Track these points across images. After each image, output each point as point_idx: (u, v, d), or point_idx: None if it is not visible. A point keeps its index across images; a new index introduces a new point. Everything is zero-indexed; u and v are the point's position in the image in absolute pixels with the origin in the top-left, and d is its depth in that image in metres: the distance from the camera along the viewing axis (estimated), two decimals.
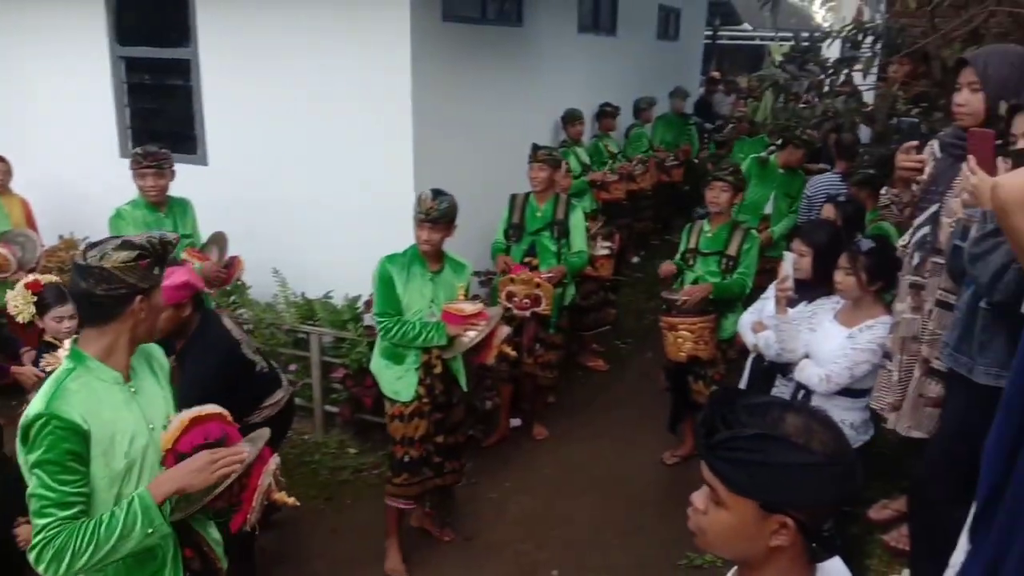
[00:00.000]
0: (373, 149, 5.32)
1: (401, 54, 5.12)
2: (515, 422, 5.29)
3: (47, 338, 3.63)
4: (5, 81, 6.44)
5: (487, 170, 6.10)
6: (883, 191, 3.19)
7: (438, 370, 3.73)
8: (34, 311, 3.63)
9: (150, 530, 2.02)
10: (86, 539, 1.95)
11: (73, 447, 1.96)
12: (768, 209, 6.23)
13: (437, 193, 3.61)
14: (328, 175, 5.48)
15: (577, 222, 5.01)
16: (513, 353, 4.08)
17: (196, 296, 3.35)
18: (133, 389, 2.17)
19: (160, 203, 4.45)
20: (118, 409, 2.09)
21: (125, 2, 5.93)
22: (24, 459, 1.99)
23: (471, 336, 3.62)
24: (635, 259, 8.48)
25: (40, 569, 1.96)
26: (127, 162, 5.98)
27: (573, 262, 4.96)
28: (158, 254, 2.12)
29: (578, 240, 5.00)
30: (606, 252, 5.73)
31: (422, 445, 3.79)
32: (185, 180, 4.75)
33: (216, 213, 5.79)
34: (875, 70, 5.62)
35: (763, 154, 6.44)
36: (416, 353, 3.72)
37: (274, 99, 5.55)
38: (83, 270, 2.03)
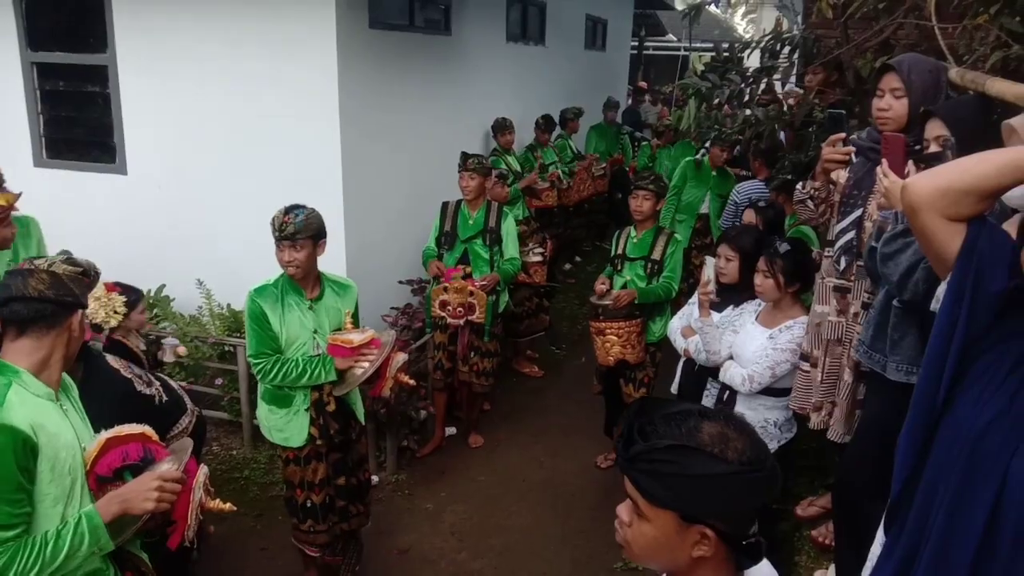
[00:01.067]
0: (300, 156, 5.24)
1: (327, 60, 5.07)
2: (450, 430, 5.28)
3: (119, 337, 3.49)
4: None
5: (417, 177, 6.08)
6: (799, 186, 3.26)
7: (331, 407, 3.40)
8: (125, 312, 3.47)
9: (96, 549, 1.99)
10: (32, 558, 1.89)
11: (24, 462, 1.90)
12: (704, 208, 6.57)
13: (291, 208, 3.25)
14: (253, 184, 5.37)
15: (509, 229, 5.02)
16: (412, 382, 3.66)
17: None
18: (64, 407, 2.09)
19: None
20: (58, 424, 2.02)
21: (37, 6, 5.71)
22: None
23: (364, 367, 3.28)
24: (568, 266, 8.55)
25: None
26: (41, 172, 5.81)
27: (506, 269, 4.97)
28: (92, 280, 2.16)
29: (511, 247, 5.02)
30: (539, 259, 5.77)
31: (322, 490, 3.50)
32: (103, 190, 4.59)
33: (136, 224, 5.64)
34: (793, 78, 5.81)
35: (697, 156, 6.69)
36: (304, 393, 3.37)
37: (196, 106, 5.41)
38: (33, 274, 2.00)
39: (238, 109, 5.32)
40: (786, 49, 5.22)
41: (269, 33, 5.14)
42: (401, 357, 3.51)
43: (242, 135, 5.35)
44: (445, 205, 5.09)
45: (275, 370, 3.28)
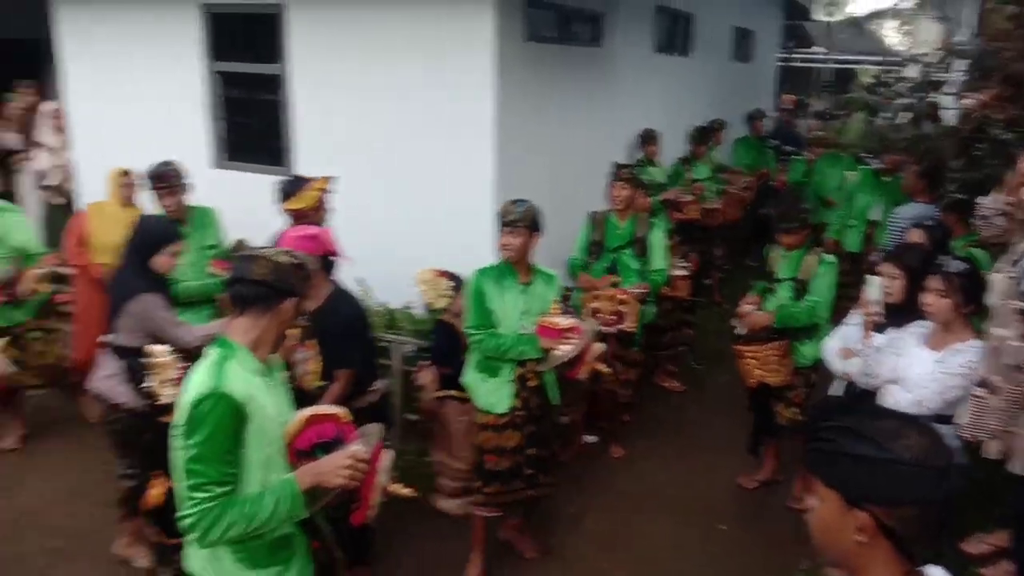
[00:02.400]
0: (456, 166, 5.44)
1: (485, 73, 5.24)
2: (589, 439, 5.30)
3: (448, 319, 4.11)
4: (105, 91, 6.76)
5: (564, 187, 6.16)
6: (985, 200, 3.10)
7: (533, 383, 3.75)
8: (451, 295, 4.04)
9: (294, 515, 2.18)
10: (241, 515, 2.10)
11: (236, 426, 2.11)
12: (875, 215, 6.76)
13: (516, 200, 3.67)
14: (411, 189, 5.61)
15: (658, 240, 5.01)
16: (607, 370, 4.04)
17: (325, 260, 3.45)
18: (270, 382, 2.28)
19: (181, 218, 4.51)
20: (265, 397, 2.21)
21: (220, 19, 6.19)
22: (183, 435, 2.09)
23: (565, 350, 3.60)
24: (707, 281, 8.40)
25: (191, 537, 2.11)
26: (218, 173, 6.28)
27: (654, 280, 4.96)
28: (307, 274, 2.33)
29: (658, 258, 5.00)
30: (683, 272, 5.72)
31: (512, 457, 3.79)
32: (270, 190, 4.92)
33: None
34: (963, 93, 5.53)
35: (874, 165, 7.10)
36: (511, 366, 3.72)
37: (359, 114, 5.72)
38: (257, 259, 2.21)
39: (395, 118, 5.59)
40: (957, 62, 4.98)
41: (428, 47, 5.37)
42: (600, 347, 3.85)
43: (400, 144, 5.61)
44: (593, 215, 5.12)
45: (489, 342, 3.66)
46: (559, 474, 4.89)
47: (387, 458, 2.43)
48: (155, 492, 3.20)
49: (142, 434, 3.41)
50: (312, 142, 5.96)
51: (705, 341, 6.86)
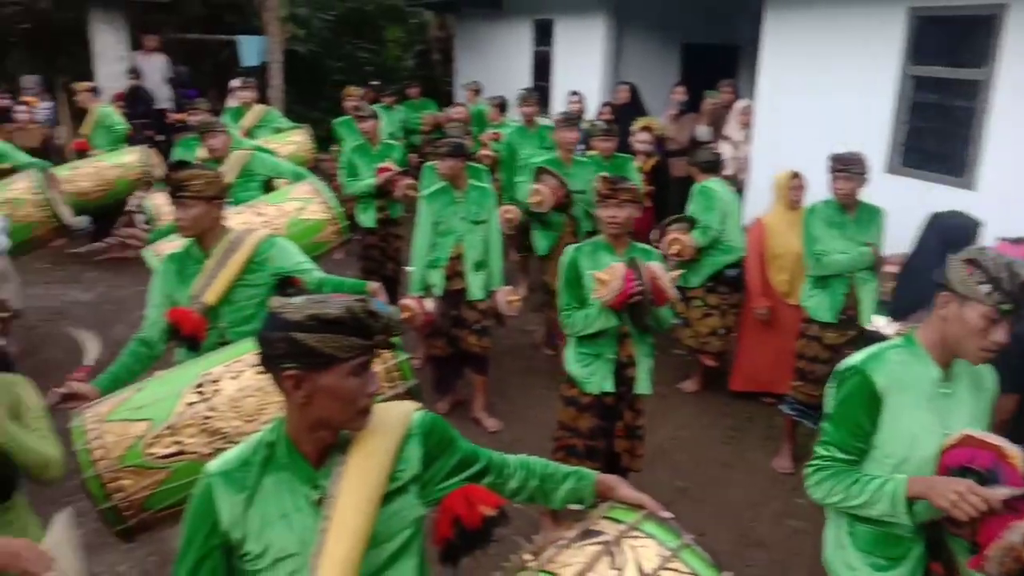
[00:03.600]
0: None
1: None
2: None
3: None
4: (793, 88, 7.15)
5: None
6: None
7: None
8: None
9: (890, 513, 2.16)
10: (842, 486, 2.22)
11: (863, 406, 2.21)
12: None
13: None
14: None
15: None
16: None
17: None
18: (945, 391, 2.21)
19: (850, 206, 4.59)
20: (920, 398, 2.19)
21: (926, 22, 5.95)
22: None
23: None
24: None
25: (806, 485, 2.34)
26: (891, 178, 6.11)
27: None
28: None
29: None
30: None
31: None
32: (943, 201, 4.60)
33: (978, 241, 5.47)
34: None
35: None
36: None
37: None
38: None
39: None
40: None
41: None
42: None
43: None
44: None
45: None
46: None
47: None
48: None
49: None
50: (1005, 154, 5.35)
51: None
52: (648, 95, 9.19)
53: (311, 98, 14.05)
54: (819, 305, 4.67)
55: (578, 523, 1.72)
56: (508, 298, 5.07)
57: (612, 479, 1.87)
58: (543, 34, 11.92)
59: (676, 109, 8.33)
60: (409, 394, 2.80)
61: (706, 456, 5.02)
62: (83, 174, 7.49)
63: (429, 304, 4.87)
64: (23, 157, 6.80)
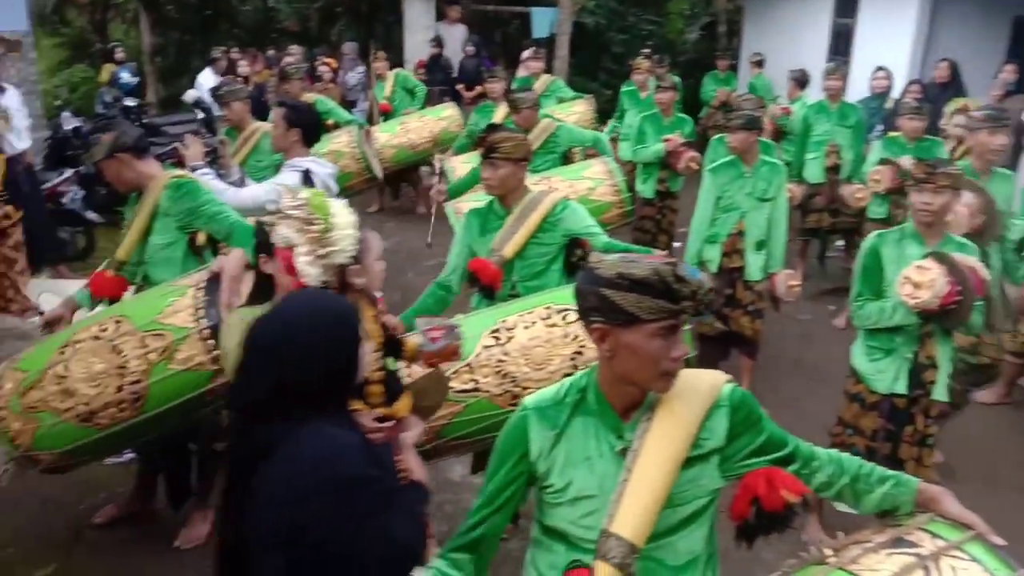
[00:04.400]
0: None
1: None
2: None
3: None
4: None
5: None
6: None
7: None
8: None
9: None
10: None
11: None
12: None
13: None
14: None
15: None
16: None
17: None
18: None
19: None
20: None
21: None
22: None
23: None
24: None
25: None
26: None
27: None
28: None
29: None
30: None
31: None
32: None
33: None
34: None
35: None
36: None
37: None
38: None
39: None
40: None
41: None
42: None
43: None
44: None
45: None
46: None
47: None
48: None
49: None
50: None
51: None
52: (967, 74, 8.22)
53: (591, 69, 14.25)
54: None
55: (889, 528, 1.62)
56: (789, 282, 4.84)
57: (937, 490, 1.75)
58: (845, 5, 11.10)
59: (1002, 90, 7.38)
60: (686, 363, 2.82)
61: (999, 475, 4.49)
62: (411, 128, 8.21)
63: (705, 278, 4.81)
64: (345, 114, 7.58)
